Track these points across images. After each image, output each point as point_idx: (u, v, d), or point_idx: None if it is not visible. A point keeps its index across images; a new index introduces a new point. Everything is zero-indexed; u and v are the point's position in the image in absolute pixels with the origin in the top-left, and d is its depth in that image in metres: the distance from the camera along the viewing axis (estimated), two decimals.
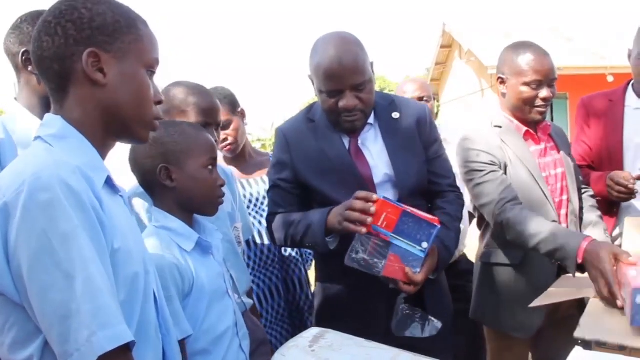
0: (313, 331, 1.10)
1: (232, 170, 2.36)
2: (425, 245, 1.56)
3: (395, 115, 1.83)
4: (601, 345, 1.32)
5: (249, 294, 2.02)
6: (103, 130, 1.05)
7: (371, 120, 1.83)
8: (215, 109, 1.85)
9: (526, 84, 1.95)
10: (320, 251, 1.75)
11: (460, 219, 1.89)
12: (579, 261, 1.65)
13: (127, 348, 0.91)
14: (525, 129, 2.01)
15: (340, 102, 1.71)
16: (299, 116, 1.93)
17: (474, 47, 13.74)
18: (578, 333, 1.35)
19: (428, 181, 1.86)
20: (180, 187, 1.44)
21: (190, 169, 1.45)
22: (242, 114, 2.39)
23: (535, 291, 1.71)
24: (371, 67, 1.75)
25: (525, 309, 1.70)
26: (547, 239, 1.75)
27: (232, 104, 2.34)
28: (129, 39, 1.05)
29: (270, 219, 1.88)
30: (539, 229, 1.78)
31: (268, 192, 1.93)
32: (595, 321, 1.40)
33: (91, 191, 0.95)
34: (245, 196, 2.34)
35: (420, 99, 2.72)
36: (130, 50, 1.05)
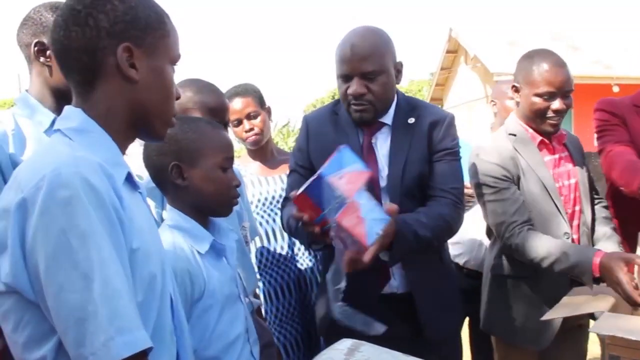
0: (346, 343, 1.04)
1: (256, 166, 2.42)
2: (337, 192, 1.41)
3: (411, 120, 1.80)
4: None
5: (255, 295, 2.02)
6: (127, 126, 1.02)
7: (388, 120, 1.80)
8: (223, 108, 1.84)
9: (538, 95, 1.91)
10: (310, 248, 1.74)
11: (443, 217, 1.72)
12: (596, 275, 1.71)
13: (143, 353, 0.88)
14: (539, 138, 1.98)
15: (349, 89, 1.71)
16: (326, 107, 1.94)
17: (480, 53, 13.71)
18: (594, 329, 1.42)
19: (426, 185, 1.80)
20: (192, 186, 1.40)
21: (203, 168, 1.40)
22: (269, 111, 2.45)
23: (549, 302, 1.71)
24: (394, 65, 1.75)
25: (539, 320, 1.71)
26: (560, 259, 1.80)
27: (261, 99, 2.42)
28: (159, 34, 1.03)
29: (282, 204, 1.91)
30: (549, 250, 1.82)
31: (288, 176, 1.95)
32: (611, 321, 1.47)
33: (112, 188, 0.92)
34: (261, 193, 2.37)
35: None
36: (159, 46, 1.03)
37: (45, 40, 1.53)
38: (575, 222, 1.99)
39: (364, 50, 1.68)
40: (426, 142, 1.79)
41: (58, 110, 1.53)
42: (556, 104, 1.91)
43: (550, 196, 1.92)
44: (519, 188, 1.94)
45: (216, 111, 1.79)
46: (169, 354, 1.03)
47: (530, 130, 2.00)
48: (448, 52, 16.48)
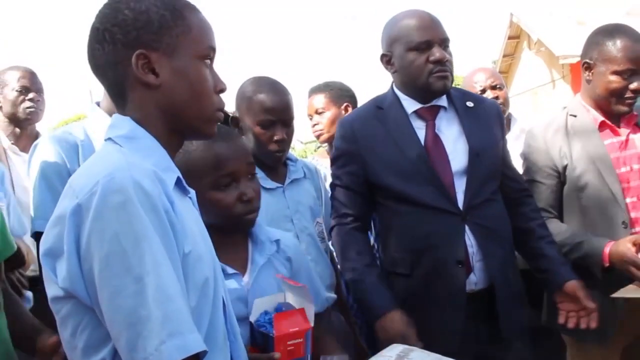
0: (396, 349, 0.99)
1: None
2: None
3: (470, 104, 1.79)
4: None
5: (337, 290, 1.95)
6: (166, 130, 1.01)
7: (444, 103, 1.77)
8: (283, 107, 1.80)
9: (616, 72, 1.79)
10: None
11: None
12: (606, 265, 1.70)
13: (196, 357, 0.87)
14: (601, 119, 1.87)
15: (431, 57, 1.68)
16: (366, 106, 1.88)
17: (543, 36, 13.21)
18: None
19: (501, 183, 1.80)
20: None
21: (200, 191, 1.21)
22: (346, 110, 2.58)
23: (611, 291, 1.63)
24: None
25: (602, 315, 1.66)
26: (573, 249, 1.78)
27: (353, 99, 2.63)
28: (177, 31, 0.99)
29: (334, 224, 1.79)
30: (564, 239, 1.80)
31: (331, 189, 1.85)
32: None
33: (163, 193, 0.92)
34: None
35: (494, 87, 2.62)
36: (180, 44, 0.99)
37: None
38: None
39: (438, 20, 1.74)
40: (497, 129, 1.82)
41: None
42: (635, 83, 1.78)
43: (606, 183, 1.80)
44: (564, 177, 1.87)
45: (274, 110, 1.77)
46: (223, 359, 1.02)
47: (593, 112, 1.89)
48: (510, 38, 15.95)
